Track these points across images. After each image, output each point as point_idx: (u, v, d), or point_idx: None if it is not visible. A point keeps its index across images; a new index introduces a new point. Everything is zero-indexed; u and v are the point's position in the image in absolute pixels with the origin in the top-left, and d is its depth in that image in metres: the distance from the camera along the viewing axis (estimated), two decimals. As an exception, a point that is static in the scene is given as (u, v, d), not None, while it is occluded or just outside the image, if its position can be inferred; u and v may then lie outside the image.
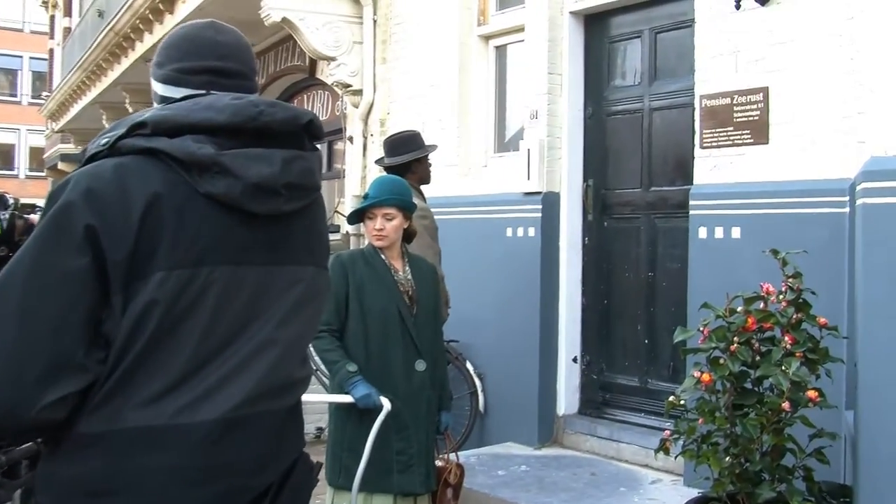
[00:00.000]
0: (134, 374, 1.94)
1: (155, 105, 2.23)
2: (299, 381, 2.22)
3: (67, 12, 26.83)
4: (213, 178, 2.00)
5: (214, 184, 2.00)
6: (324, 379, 7.63)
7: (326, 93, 11.43)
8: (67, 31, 25.91)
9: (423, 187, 6.25)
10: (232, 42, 2.26)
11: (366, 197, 4.79)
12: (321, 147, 12.22)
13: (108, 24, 14.81)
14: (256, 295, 2.08)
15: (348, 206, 9.51)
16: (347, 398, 4.50)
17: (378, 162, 6.65)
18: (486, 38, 8.43)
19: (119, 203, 1.93)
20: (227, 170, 2.00)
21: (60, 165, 29.55)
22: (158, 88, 2.26)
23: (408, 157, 6.16)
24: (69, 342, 1.89)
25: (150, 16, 12.59)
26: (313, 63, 10.90)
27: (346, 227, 9.31)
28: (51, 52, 31.71)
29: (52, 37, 31.75)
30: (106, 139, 2.03)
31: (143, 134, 2.02)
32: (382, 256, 4.75)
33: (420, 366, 4.70)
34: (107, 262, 1.91)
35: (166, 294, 1.94)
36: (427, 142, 6.50)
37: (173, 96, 2.19)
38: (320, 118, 11.52)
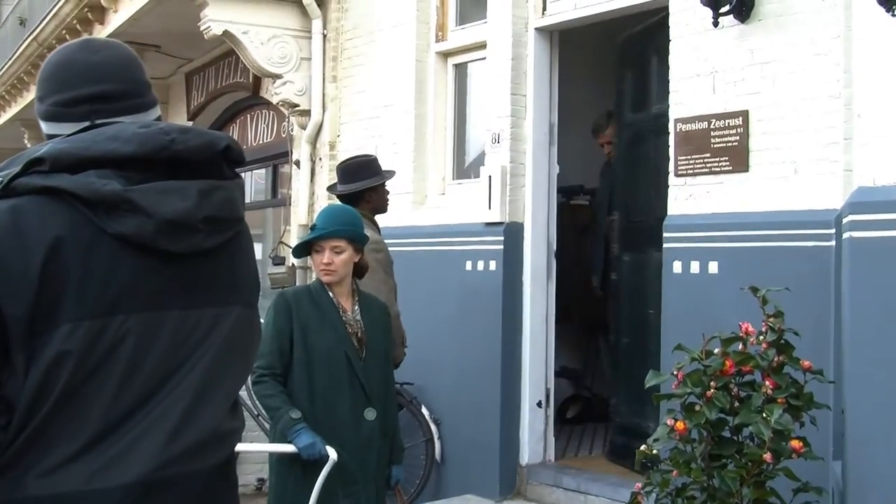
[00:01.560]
0: (41, 438, 1.87)
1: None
2: (229, 435, 2.15)
3: (-17, 19, 26.55)
4: (122, 216, 1.94)
5: (124, 223, 1.94)
6: (266, 425, 7.54)
7: (271, 113, 11.38)
8: (-17, 39, 25.63)
9: (377, 217, 6.22)
10: (110, 60, 2.19)
11: (313, 228, 4.75)
12: (266, 171, 12.20)
13: (31, 33, 14.64)
14: (177, 342, 2.02)
15: (294, 236, 9.45)
16: (290, 448, 4.43)
17: (330, 189, 6.61)
18: (445, 55, 8.43)
19: (16, 251, 1.87)
20: (137, 207, 1.95)
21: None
22: (43, 126, 2.19)
23: (362, 185, 6.11)
24: None
25: (78, 26, 12.47)
26: (257, 80, 10.85)
27: (292, 260, 9.25)
28: (-35, 63, 31.35)
29: (-34, 46, 31.40)
30: None
31: (41, 171, 1.95)
32: (330, 294, 4.70)
33: (370, 414, 4.64)
34: (5, 317, 1.85)
35: (77, 346, 1.88)
36: (382, 167, 6.47)
37: (59, 133, 2.11)
38: (264, 140, 11.59)
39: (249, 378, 4.51)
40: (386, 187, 6.35)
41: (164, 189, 1.99)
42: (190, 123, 12.14)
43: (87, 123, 2.09)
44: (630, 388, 6.94)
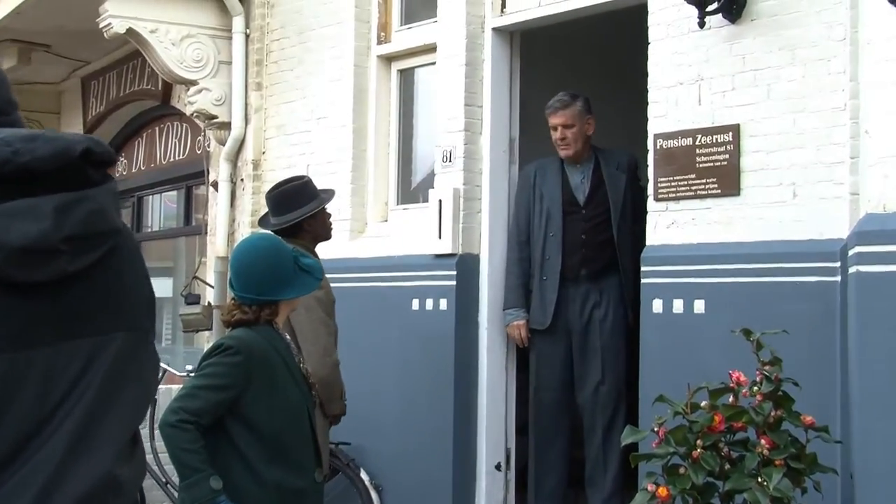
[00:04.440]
0: None
1: None
2: (120, 486, 2.10)
3: None
4: None
5: None
6: (174, 493, 7.44)
7: (185, 125, 11.32)
8: None
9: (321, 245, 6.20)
10: None
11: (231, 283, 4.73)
12: (178, 193, 12.08)
13: None
14: (49, 384, 1.98)
15: (211, 269, 9.37)
16: None
17: (262, 223, 6.46)
18: (389, 59, 8.43)
19: None
20: None
21: None
22: None
23: (299, 216, 6.02)
24: None
25: (-51, 20, 12.39)
26: (168, 87, 10.79)
27: (209, 298, 9.18)
28: None
29: None
30: None
31: None
32: (287, 338, 4.72)
33: (319, 476, 4.68)
34: None
35: None
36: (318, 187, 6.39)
37: None
38: (176, 157, 11.49)
39: (164, 425, 4.43)
40: (327, 210, 6.28)
41: (11, 211, 1.94)
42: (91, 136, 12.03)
43: None
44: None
